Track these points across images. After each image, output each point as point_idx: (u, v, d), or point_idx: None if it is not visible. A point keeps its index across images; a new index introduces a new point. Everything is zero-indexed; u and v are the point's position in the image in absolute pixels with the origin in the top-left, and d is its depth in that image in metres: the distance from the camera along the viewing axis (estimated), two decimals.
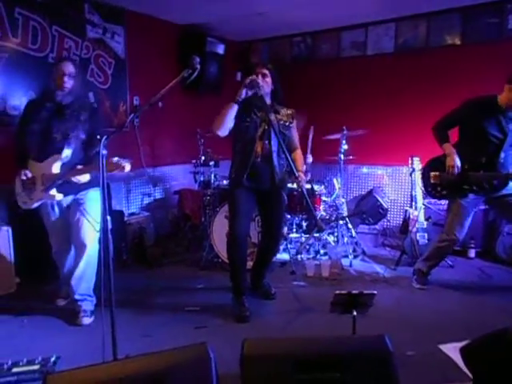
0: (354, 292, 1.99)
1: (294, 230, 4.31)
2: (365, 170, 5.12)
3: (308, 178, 4.21)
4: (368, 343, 1.57)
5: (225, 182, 4.08)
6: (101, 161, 1.84)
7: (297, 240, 4.22)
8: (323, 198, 4.15)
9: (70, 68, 2.61)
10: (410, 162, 4.05)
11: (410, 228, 3.87)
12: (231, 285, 3.01)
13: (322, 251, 4.16)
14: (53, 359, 2.21)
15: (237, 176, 2.88)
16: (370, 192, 4.74)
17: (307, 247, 4.25)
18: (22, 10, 3.53)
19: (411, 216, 3.92)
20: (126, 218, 4.27)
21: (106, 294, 1.87)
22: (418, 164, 3.99)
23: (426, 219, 3.92)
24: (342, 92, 5.14)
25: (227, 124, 2.73)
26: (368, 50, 5.06)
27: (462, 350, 1.63)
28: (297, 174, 2.87)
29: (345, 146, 4.14)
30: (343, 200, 4.28)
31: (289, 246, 3.93)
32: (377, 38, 4.97)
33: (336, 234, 4.25)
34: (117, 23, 4.29)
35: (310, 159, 4.31)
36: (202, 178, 4.40)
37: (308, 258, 3.97)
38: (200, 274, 3.74)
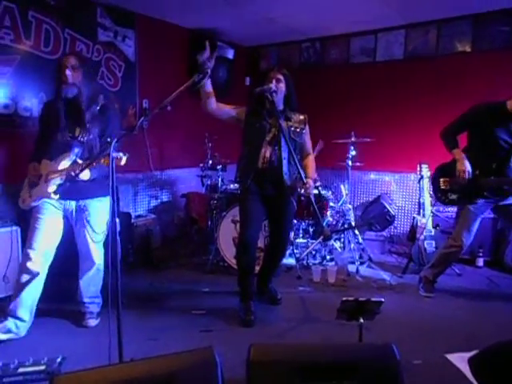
0: (361, 299, 1.98)
1: (301, 235, 4.31)
2: (372, 176, 5.10)
3: (317, 184, 4.21)
4: (375, 351, 1.55)
5: (232, 186, 4.09)
6: (111, 163, 1.84)
7: (303, 245, 4.21)
8: (330, 204, 4.14)
9: (71, 61, 2.53)
10: (418, 168, 4.04)
11: (418, 235, 3.85)
12: (239, 289, 3.01)
13: (328, 257, 4.15)
14: (58, 360, 2.22)
15: (242, 180, 2.89)
16: (378, 198, 4.72)
17: (313, 253, 4.25)
18: (36, 14, 3.58)
19: (419, 223, 3.89)
20: (132, 220, 4.28)
21: (113, 297, 1.88)
22: (426, 171, 3.98)
23: (434, 227, 3.90)
24: (351, 98, 5.14)
25: (206, 106, 2.76)
26: (377, 57, 5.06)
27: (470, 361, 1.61)
28: (305, 181, 2.87)
29: (353, 152, 4.13)
30: (350, 206, 4.26)
31: (295, 251, 3.92)
32: (386, 44, 4.96)
33: (342, 240, 4.25)
34: (128, 27, 4.32)
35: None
36: (209, 182, 4.42)
37: (314, 264, 3.96)
38: (206, 277, 3.74)
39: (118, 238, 1.88)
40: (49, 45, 3.69)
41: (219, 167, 4.20)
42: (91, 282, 2.76)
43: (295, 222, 4.21)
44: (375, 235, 4.59)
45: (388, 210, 4.50)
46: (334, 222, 4.44)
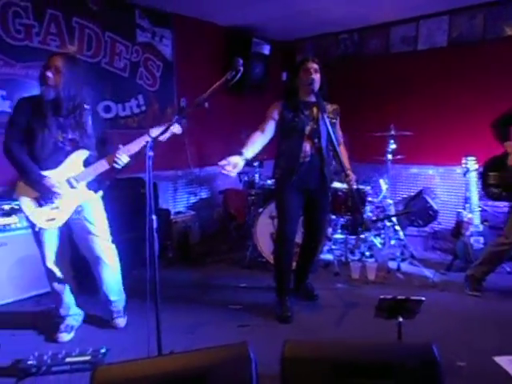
0: (399, 297, 1.91)
1: (339, 230, 4.24)
2: (414, 170, 4.92)
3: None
4: (414, 351, 1.50)
5: (269, 182, 4.08)
6: (148, 162, 1.89)
7: (342, 241, 4.14)
8: (369, 199, 4.03)
9: (56, 61, 2.32)
10: (463, 161, 3.84)
11: (463, 231, 3.67)
12: (275, 285, 3.01)
13: (367, 253, 4.05)
14: (102, 351, 2.32)
15: (284, 176, 2.84)
16: (420, 193, 4.55)
17: (352, 249, 4.16)
18: (79, 19, 3.73)
19: (464, 219, 3.71)
20: (172, 217, 4.39)
21: (152, 292, 1.93)
22: (472, 164, 3.77)
23: (482, 222, 3.70)
24: (391, 89, 4.97)
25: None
26: (419, 45, 4.86)
27: None
28: (348, 173, 2.84)
29: (392, 146, 3.99)
30: (390, 201, 4.14)
31: (333, 246, 3.86)
32: (428, 31, 4.75)
33: (383, 236, 4.13)
34: (165, 27, 4.42)
35: None
36: (246, 178, 4.43)
37: (353, 260, 3.88)
38: (243, 272, 3.77)
39: (155, 234, 1.91)
40: (91, 48, 3.85)
41: (256, 163, 4.21)
42: (113, 282, 2.69)
43: (333, 217, 4.15)
44: (417, 231, 4.43)
45: (431, 205, 4.33)
46: (374, 218, 4.33)
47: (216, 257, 4.23)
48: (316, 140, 2.80)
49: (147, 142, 2.40)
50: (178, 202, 4.86)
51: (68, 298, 2.65)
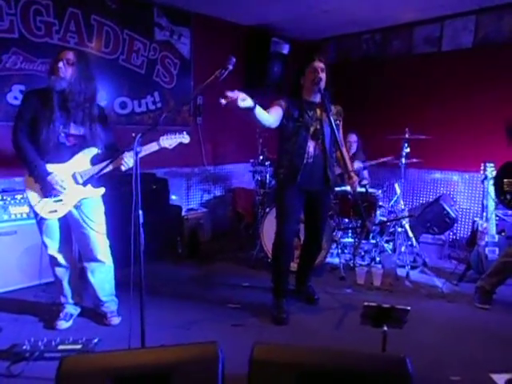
0: (384, 306, 1.85)
1: (349, 234, 4.16)
2: (434, 175, 4.75)
3: (365, 182, 4.05)
4: (385, 363, 1.44)
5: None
6: (135, 158, 1.91)
7: (350, 245, 4.06)
8: (380, 203, 3.92)
9: (67, 55, 2.40)
10: (482, 167, 3.68)
11: (478, 241, 3.51)
12: (272, 286, 2.99)
13: (377, 258, 3.95)
14: (95, 341, 2.39)
15: (288, 176, 2.81)
16: (437, 199, 4.39)
17: (362, 253, 4.08)
18: (97, 17, 3.83)
19: (480, 228, 3.55)
20: (183, 213, 4.44)
21: (137, 286, 1.95)
22: (491, 170, 3.61)
23: (499, 232, 3.53)
24: (413, 91, 4.82)
25: (260, 124, 2.57)
26: (443, 46, 4.68)
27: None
28: (351, 175, 2.82)
29: (407, 150, 3.87)
30: (403, 206, 4.01)
31: (339, 251, 3.79)
32: (453, 32, 4.57)
33: (398, 241, 4.01)
34: (183, 25, 4.47)
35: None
36: (258, 177, 4.42)
37: (361, 265, 3.79)
38: (249, 272, 3.76)
39: (141, 229, 1.93)
40: (109, 45, 3.94)
41: (268, 163, 4.19)
42: (105, 281, 2.72)
43: (346, 220, 4.08)
44: (432, 238, 4.28)
45: (447, 212, 4.16)
46: (389, 223, 4.23)
47: (224, 255, 4.24)
48: (320, 140, 2.77)
49: (156, 150, 2.46)
50: (192, 199, 4.90)
51: (68, 286, 2.72)
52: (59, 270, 2.68)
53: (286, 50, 5.13)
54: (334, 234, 3.81)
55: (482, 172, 3.66)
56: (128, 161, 2.43)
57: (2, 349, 2.35)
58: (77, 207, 2.54)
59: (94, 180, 2.55)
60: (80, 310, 2.81)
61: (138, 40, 4.13)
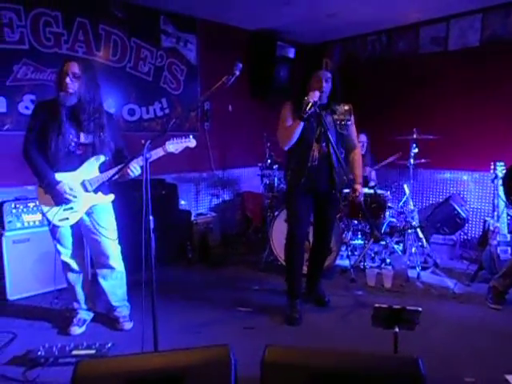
0: (395, 307, 1.84)
1: (359, 236, 4.15)
2: (444, 175, 4.72)
3: (373, 184, 4.04)
4: (397, 364, 1.44)
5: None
6: (145, 164, 1.93)
7: (360, 247, 4.05)
8: (389, 204, 3.91)
9: (73, 68, 2.39)
10: (492, 167, 3.65)
11: (490, 240, 3.48)
12: (286, 287, 3.01)
13: (388, 260, 3.93)
14: (108, 346, 2.41)
15: (294, 179, 2.86)
16: (448, 199, 4.36)
17: (372, 255, 4.06)
18: (105, 26, 3.89)
19: (491, 227, 3.52)
20: (193, 218, 4.46)
21: (149, 290, 1.97)
22: (501, 169, 3.58)
23: (511, 231, 3.49)
24: (420, 91, 4.80)
25: (294, 140, 2.72)
26: (450, 46, 4.67)
27: None
28: (355, 187, 2.90)
29: (415, 150, 3.85)
30: (412, 207, 3.99)
31: (349, 253, 3.78)
32: (460, 31, 4.56)
33: (409, 243, 3.98)
34: (189, 32, 4.52)
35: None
36: (267, 181, 4.44)
37: (371, 267, 3.78)
38: (258, 275, 3.76)
39: (152, 234, 1.95)
40: (116, 54, 4.00)
41: (275, 167, 4.21)
42: (117, 286, 2.75)
43: (355, 222, 4.08)
44: (443, 239, 4.24)
45: (458, 212, 4.14)
46: (398, 224, 4.21)
47: (234, 259, 4.26)
48: (324, 144, 2.79)
49: (162, 155, 2.48)
50: (201, 204, 4.93)
51: (81, 291, 2.76)
52: (72, 276, 2.72)
53: (291, 53, 5.16)
54: (344, 236, 3.81)
55: (492, 171, 3.63)
56: (134, 169, 2.45)
57: (17, 355, 2.39)
58: (88, 214, 2.58)
59: (104, 187, 2.59)
60: (93, 316, 2.84)
61: (144, 48, 4.19)
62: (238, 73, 1.91)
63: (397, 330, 1.83)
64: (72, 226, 2.59)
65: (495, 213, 3.58)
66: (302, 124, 2.66)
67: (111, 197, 2.65)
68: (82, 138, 2.49)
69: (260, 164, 4.41)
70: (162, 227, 3.70)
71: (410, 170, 3.92)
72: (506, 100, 4.16)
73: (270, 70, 5.02)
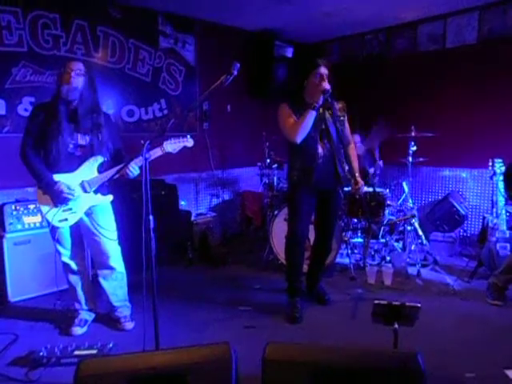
0: (394, 303, 1.86)
1: (359, 234, 4.16)
2: (443, 172, 4.73)
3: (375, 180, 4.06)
4: (397, 360, 1.46)
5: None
6: (144, 165, 1.94)
7: (360, 245, 4.06)
8: (388, 202, 3.92)
9: (77, 65, 2.46)
10: (490, 164, 3.66)
11: (489, 237, 3.49)
12: (286, 285, 3.02)
13: (388, 258, 3.94)
14: (110, 345, 2.42)
15: (301, 178, 2.83)
16: (447, 197, 4.37)
17: (373, 253, 4.07)
18: (103, 28, 3.90)
19: (490, 224, 3.53)
20: (193, 218, 4.48)
21: (150, 290, 1.99)
22: (500, 166, 3.59)
23: (510, 228, 3.51)
24: (418, 89, 4.81)
25: (307, 131, 2.69)
26: (447, 43, 4.68)
27: None
28: (357, 180, 2.87)
29: (413, 148, 3.87)
30: (411, 204, 4.00)
31: (349, 251, 3.79)
32: (457, 28, 4.57)
33: (409, 240, 3.99)
34: (187, 32, 4.52)
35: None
36: (266, 181, 4.45)
37: (371, 265, 3.79)
38: (259, 274, 3.78)
39: (152, 234, 1.96)
40: (115, 55, 4.01)
41: (275, 166, 4.22)
42: (117, 287, 2.76)
43: (355, 221, 4.09)
44: (443, 236, 4.25)
45: (457, 209, 4.15)
46: (398, 222, 4.22)
47: (235, 258, 4.26)
48: (326, 141, 2.80)
49: (160, 155, 2.49)
50: (201, 204, 4.94)
51: (82, 292, 2.77)
52: (73, 277, 2.73)
53: (289, 53, 5.17)
54: (344, 234, 3.82)
55: (490, 168, 3.64)
56: (133, 169, 2.46)
57: (19, 355, 2.41)
58: (87, 215, 2.59)
59: (103, 187, 2.60)
60: (94, 316, 2.86)
61: (143, 49, 4.20)
62: (235, 72, 1.92)
63: (396, 326, 1.84)
64: (71, 227, 2.60)
65: (494, 209, 3.59)
66: (314, 114, 2.64)
67: (110, 197, 2.66)
68: (81, 139, 2.51)
69: (259, 163, 4.43)
70: (162, 227, 3.72)
71: (408, 167, 3.93)
72: (503, 97, 4.17)
73: (268, 69, 5.03)
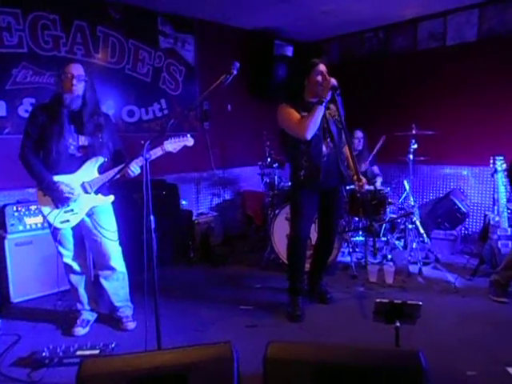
0: (396, 301, 1.86)
1: (360, 232, 4.16)
2: (444, 170, 4.73)
3: (379, 179, 4.06)
4: (399, 358, 1.46)
5: (289, 183, 4.07)
6: (145, 165, 1.95)
7: (362, 243, 4.06)
8: (389, 201, 3.92)
9: (79, 70, 2.43)
10: (491, 161, 3.66)
11: (490, 234, 3.49)
12: (288, 284, 3.02)
13: (389, 256, 3.94)
14: (112, 345, 2.43)
15: (307, 178, 2.80)
16: (448, 194, 4.37)
17: (374, 252, 4.07)
18: (103, 28, 3.91)
19: (492, 221, 3.53)
20: (194, 218, 4.48)
21: (151, 289, 1.99)
22: (501, 163, 3.58)
23: (511, 225, 3.50)
24: (419, 87, 4.81)
25: (316, 127, 2.67)
26: (448, 41, 4.67)
27: None
28: (360, 177, 2.87)
29: (414, 146, 3.86)
30: (412, 202, 4.00)
31: (351, 249, 3.79)
32: (457, 26, 4.56)
33: (410, 238, 3.99)
34: (187, 32, 4.52)
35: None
36: (267, 180, 4.45)
37: (373, 263, 3.79)
38: (260, 274, 3.78)
39: (153, 234, 1.97)
40: (115, 56, 4.01)
41: (275, 165, 4.21)
42: (119, 287, 2.76)
43: (356, 219, 4.09)
44: (444, 234, 4.25)
45: (458, 207, 4.15)
46: (399, 220, 4.21)
47: (236, 257, 4.27)
48: (328, 139, 2.80)
49: (161, 155, 2.48)
50: (202, 204, 4.94)
51: (84, 293, 2.77)
52: (74, 278, 2.74)
53: (289, 52, 5.16)
54: (345, 232, 3.82)
55: (491, 165, 3.64)
56: (134, 169, 2.46)
57: (22, 356, 2.41)
58: (89, 215, 2.59)
59: (104, 188, 2.60)
60: (96, 316, 2.86)
61: (142, 49, 4.20)
62: (235, 72, 1.92)
63: (398, 324, 1.84)
64: (73, 228, 2.60)
65: (496, 207, 3.59)
66: (323, 109, 2.63)
67: (111, 198, 2.66)
68: (82, 140, 2.51)
69: (260, 163, 4.42)
70: (163, 227, 3.75)
71: (409, 165, 3.93)
72: (504, 94, 4.16)
73: (268, 68, 5.03)
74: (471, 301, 3.07)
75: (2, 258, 3.13)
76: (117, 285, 2.75)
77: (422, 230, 3.94)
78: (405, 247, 3.97)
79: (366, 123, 4.46)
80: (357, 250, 4.13)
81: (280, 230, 3.72)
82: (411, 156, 3.88)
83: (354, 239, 4.09)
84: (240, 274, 3.83)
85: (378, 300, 1.90)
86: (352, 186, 3.78)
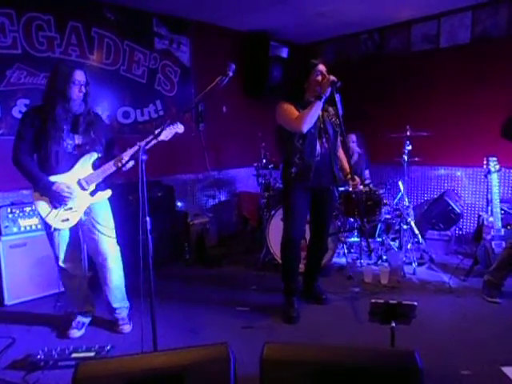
0: (391, 302, 1.87)
1: (355, 233, 4.18)
2: (438, 171, 4.76)
3: (368, 182, 4.07)
4: (394, 358, 1.46)
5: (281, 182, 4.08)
6: (141, 166, 1.94)
7: (357, 244, 4.08)
8: (384, 202, 3.94)
9: (82, 77, 2.47)
10: (485, 162, 3.69)
11: (484, 235, 3.52)
12: (282, 285, 3.03)
13: (384, 257, 3.96)
14: (107, 348, 2.42)
15: (298, 175, 2.81)
16: (442, 195, 4.40)
17: (369, 252, 4.08)
18: (98, 29, 3.90)
19: (485, 222, 3.55)
20: (189, 219, 4.47)
21: (147, 291, 1.99)
22: (494, 165, 3.61)
23: (505, 226, 3.53)
24: (413, 88, 4.84)
25: (313, 121, 2.67)
26: (441, 43, 4.71)
27: None
28: (354, 176, 2.86)
29: (408, 147, 3.89)
30: (407, 203, 4.02)
31: (346, 250, 3.81)
32: (450, 28, 4.60)
33: (405, 239, 4.01)
34: (182, 34, 4.53)
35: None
36: (263, 181, 4.45)
37: (368, 264, 3.81)
38: (255, 275, 3.78)
39: (149, 236, 1.96)
40: (110, 57, 4.00)
41: (271, 166, 4.22)
42: (116, 287, 2.74)
43: (352, 220, 4.10)
44: (438, 234, 4.28)
45: (452, 208, 4.17)
46: (394, 221, 4.23)
47: (231, 259, 4.27)
48: (324, 139, 2.82)
49: (154, 143, 2.47)
50: (197, 205, 4.94)
51: (79, 295, 2.76)
52: (69, 281, 2.72)
53: (284, 53, 5.18)
54: (340, 233, 3.83)
55: (485, 166, 3.66)
56: (127, 163, 2.45)
57: (16, 359, 2.40)
58: (86, 213, 2.59)
59: (100, 184, 2.61)
60: (91, 319, 2.85)
61: (138, 50, 4.19)
62: (231, 73, 1.93)
63: (393, 324, 1.85)
64: (70, 229, 2.59)
65: (489, 207, 3.62)
66: (321, 104, 2.63)
67: (108, 192, 2.66)
68: (77, 139, 2.52)
69: (255, 164, 4.43)
70: (159, 229, 3.75)
71: (404, 166, 3.95)
72: (497, 95, 4.20)
73: (263, 70, 5.04)
74: (465, 301, 3.09)
75: None
76: (114, 285, 2.74)
77: (416, 231, 3.96)
78: (400, 248, 3.99)
79: (360, 125, 4.48)
80: (352, 250, 4.15)
81: (276, 231, 3.72)
82: (406, 157, 3.90)
83: (349, 240, 4.11)
84: (236, 275, 3.83)
85: (373, 300, 1.91)
86: (345, 188, 3.83)
